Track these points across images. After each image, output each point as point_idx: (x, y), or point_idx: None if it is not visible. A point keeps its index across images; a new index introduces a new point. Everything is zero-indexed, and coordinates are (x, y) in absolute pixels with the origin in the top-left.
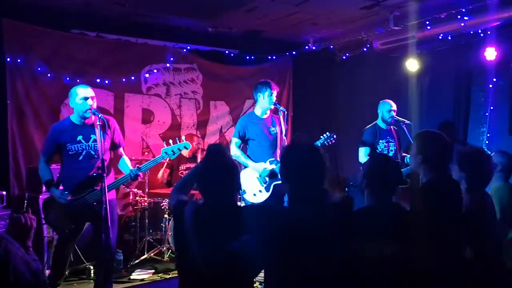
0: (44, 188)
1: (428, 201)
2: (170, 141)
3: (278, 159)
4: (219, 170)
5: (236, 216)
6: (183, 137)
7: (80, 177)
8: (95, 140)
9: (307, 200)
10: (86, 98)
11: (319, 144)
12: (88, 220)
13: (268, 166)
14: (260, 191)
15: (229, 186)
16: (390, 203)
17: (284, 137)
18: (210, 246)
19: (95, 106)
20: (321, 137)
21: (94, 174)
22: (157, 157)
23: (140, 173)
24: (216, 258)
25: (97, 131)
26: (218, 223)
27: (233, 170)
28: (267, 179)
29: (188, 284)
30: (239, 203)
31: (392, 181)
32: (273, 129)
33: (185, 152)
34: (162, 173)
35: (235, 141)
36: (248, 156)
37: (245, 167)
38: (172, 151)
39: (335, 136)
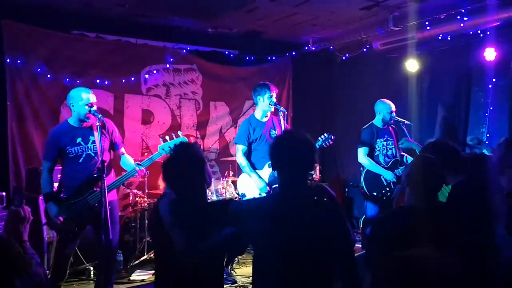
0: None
1: (454, 201)
2: (167, 137)
3: None
4: (186, 165)
5: (208, 209)
6: (179, 132)
7: (80, 179)
8: (94, 142)
9: (292, 187)
10: (91, 106)
11: (317, 147)
12: (90, 222)
13: (263, 186)
14: (260, 194)
15: (196, 180)
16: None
17: None
18: (189, 238)
19: (95, 109)
20: (319, 138)
21: (95, 175)
22: (154, 154)
23: (143, 169)
24: (195, 251)
25: (96, 132)
26: (194, 216)
27: (200, 165)
28: (267, 188)
29: (165, 276)
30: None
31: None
32: (274, 132)
33: None
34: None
35: (241, 148)
36: (250, 161)
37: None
38: (169, 147)
39: (333, 137)
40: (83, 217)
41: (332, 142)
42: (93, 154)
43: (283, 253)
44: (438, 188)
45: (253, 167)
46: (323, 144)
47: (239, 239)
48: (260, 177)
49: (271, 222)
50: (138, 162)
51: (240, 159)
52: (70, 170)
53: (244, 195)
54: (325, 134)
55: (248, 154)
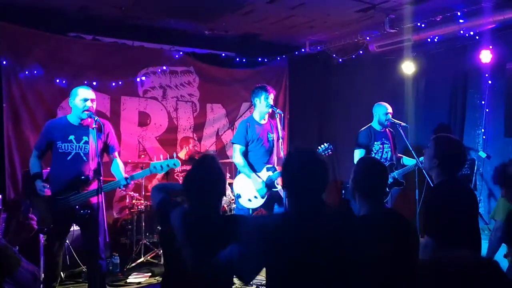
0: None
1: (439, 201)
2: (161, 156)
3: (275, 166)
4: (206, 177)
5: (220, 223)
6: (174, 154)
7: (66, 178)
8: (86, 142)
9: (305, 208)
10: (85, 100)
11: None
12: (71, 222)
13: (262, 187)
14: (255, 197)
15: (213, 193)
16: (383, 210)
17: (280, 142)
18: (198, 251)
19: (94, 107)
20: (319, 148)
21: (82, 178)
22: (144, 170)
23: (132, 182)
24: (204, 264)
25: (91, 134)
26: (205, 229)
27: (219, 177)
28: (265, 188)
29: (172, 280)
30: (226, 208)
31: (380, 185)
32: (271, 135)
33: (182, 154)
34: (155, 181)
35: (239, 148)
36: (247, 161)
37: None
38: (161, 166)
39: (332, 148)
40: (63, 216)
41: (331, 152)
42: (82, 155)
43: (306, 278)
44: (383, 194)
45: (251, 168)
46: (323, 153)
47: (249, 259)
48: (259, 177)
49: (291, 247)
50: (126, 176)
51: (238, 159)
52: (57, 165)
53: (239, 196)
54: (325, 144)
55: (245, 156)
